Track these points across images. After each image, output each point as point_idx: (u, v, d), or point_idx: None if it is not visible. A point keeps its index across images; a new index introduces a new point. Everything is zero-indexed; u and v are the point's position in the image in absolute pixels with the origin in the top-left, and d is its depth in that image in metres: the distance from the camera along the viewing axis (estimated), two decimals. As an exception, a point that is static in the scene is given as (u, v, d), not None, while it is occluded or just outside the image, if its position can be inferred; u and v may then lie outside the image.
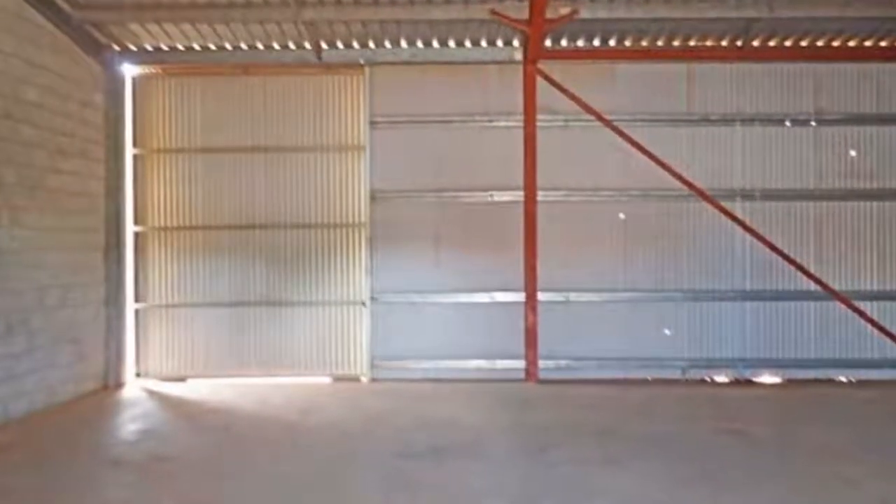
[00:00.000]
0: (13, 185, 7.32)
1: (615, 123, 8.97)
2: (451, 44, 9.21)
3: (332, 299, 9.40)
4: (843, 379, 9.15)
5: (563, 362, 9.18)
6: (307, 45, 9.13)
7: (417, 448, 6.20)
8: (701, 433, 6.65)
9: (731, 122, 9.21)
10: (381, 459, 5.92)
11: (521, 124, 9.09)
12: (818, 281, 8.97)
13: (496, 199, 9.25)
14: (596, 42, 9.20)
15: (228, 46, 9.20)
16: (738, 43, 9.08)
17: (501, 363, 9.18)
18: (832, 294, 8.97)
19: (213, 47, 9.22)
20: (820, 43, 9.14)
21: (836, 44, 9.14)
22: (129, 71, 9.32)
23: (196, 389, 8.85)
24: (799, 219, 9.20)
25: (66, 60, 8.26)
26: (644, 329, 9.21)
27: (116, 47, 9.12)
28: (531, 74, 9.01)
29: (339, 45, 9.22)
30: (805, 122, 9.20)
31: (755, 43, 9.11)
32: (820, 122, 9.20)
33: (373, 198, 9.28)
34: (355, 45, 9.20)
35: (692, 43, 9.17)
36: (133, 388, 8.91)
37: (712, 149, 9.22)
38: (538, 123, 9.05)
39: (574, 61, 9.17)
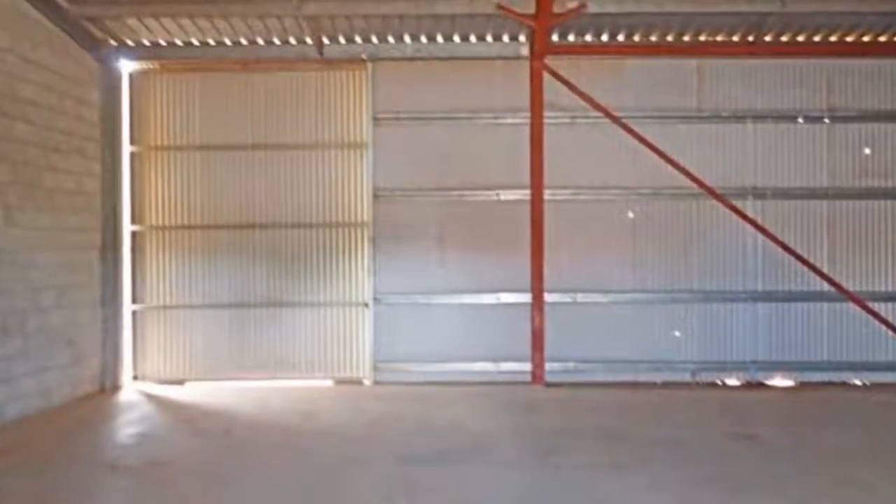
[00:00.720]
0: (8, 183, 7.20)
1: (624, 120, 8.80)
2: (456, 39, 9.06)
3: (333, 300, 9.25)
4: (857, 382, 9.01)
5: (570, 365, 9.03)
6: (308, 40, 8.98)
7: (421, 453, 6.10)
8: (712, 437, 6.53)
9: (743, 119, 9.06)
10: (383, 464, 5.80)
11: (528, 121, 8.92)
12: (831, 281, 8.80)
13: (502, 197, 9.10)
14: (604, 37, 9.06)
15: (228, 42, 9.07)
16: (750, 38, 8.94)
17: (507, 365, 9.03)
18: (846, 295, 8.80)
19: (212, 42, 9.09)
20: (833, 38, 8.98)
21: (849, 39, 8.98)
22: (127, 67, 9.18)
23: (195, 392, 8.73)
24: (812, 218, 9.05)
25: (61, 56, 8.12)
26: (653, 331, 9.06)
27: (113, 43, 8.98)
28: (538, 70, 8.85)
29: (341, 39, 9.07)
30: (818, 119, 9.05)
31: (767, 38, 8.96)
32: (833, 119, 9.04)
33: (376, 196, 9.14)
34: (358, 39, 9.06)
35: (703, 38, 9.03)
36: (130, 391, 8.79)
37: (723, 146, 9.07)
38: (545, 120, 8.88)
39: (582, 57, 9.03)
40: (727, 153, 9.06)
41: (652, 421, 7.19)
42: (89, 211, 8.63)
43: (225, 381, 9.12)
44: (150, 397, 8.46)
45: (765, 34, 8.88)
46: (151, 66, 9.22)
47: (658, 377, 9.03)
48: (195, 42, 9.05)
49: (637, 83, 9.06)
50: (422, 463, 5.82)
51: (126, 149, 9.17)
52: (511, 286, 9.03)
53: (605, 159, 9.03)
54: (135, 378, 9.21)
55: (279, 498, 5.10)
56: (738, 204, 8.87)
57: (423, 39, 9.05)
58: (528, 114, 8.91)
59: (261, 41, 9.08)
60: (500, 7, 8.18)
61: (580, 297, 9.06)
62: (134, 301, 9.24)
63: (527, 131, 8.92)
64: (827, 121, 9.04)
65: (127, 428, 7.11)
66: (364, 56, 9.10)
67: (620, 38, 9.06)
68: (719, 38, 9.02)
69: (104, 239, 8.85)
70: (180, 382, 9.16)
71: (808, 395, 8.45)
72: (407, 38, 9.05)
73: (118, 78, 9.08)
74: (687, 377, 9.02)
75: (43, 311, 7.69)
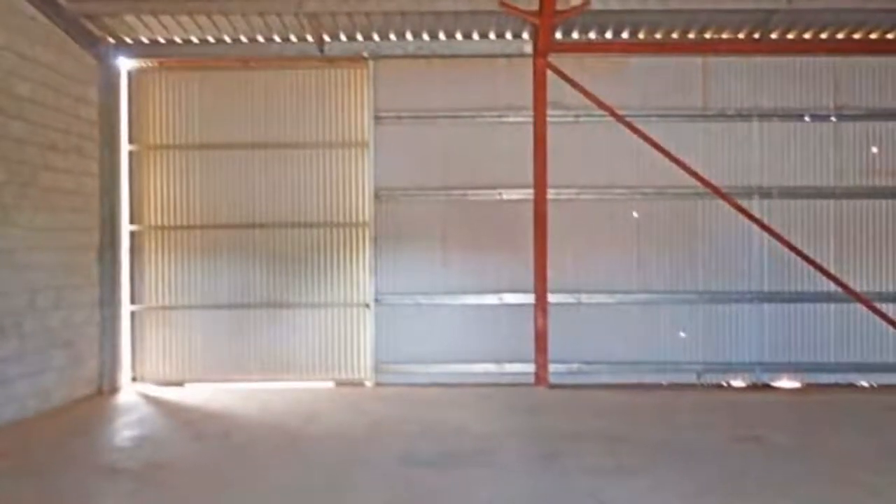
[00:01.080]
0: (5, 182, 7.14)
1: (628, 119, 8.73)
2: (459, 36, 8.98)
3: (335, 301, 9.16)
4: (864, 383, 8.92)
5: (574, 366, 8.93)
6: (309, 38, 8.90)
7: (424, 455, 6.03)
8: (717, 440, 6.47)
9: (749, 117, 8.97)
10: (385, 467, 5.74)
11: (531, 120, 8.84)
12: (838, 282, 8.71)
13: (505, 197, 9.01)
14: (608, 34, 8.98)
15: (228, 39, 8.99)
16: (756, 35, 8.86)
17: (510, 367, 8.93)
18: (853, 295, 8.71)
19: (211, 40, 9.00)
20: (840, 36, 8.90)
21: (857, 36, 8.91)
22: (125, 64, 9.10)
23: (194, 394, 8.64)
24: (818, 217, 8.95)
25: (59, 54, 8.04)
26: (658, 332, 8.97)
27: (112, 40, 8.91)
28: (541, 68, 8.77)
29: (342, 37, 8.98)
30: (825, 118, 8.96)
31: (773, 35, 8.89)
32: (840, 117, 8.95)
33: (377, 196, 9.05)
34: (359, 37, 8.98)
35: (708, 35, 8.96)
36: (129, 393, 8.70)
37: (729, 145, 8.98)
38: (548, 119, 8.81)
39: (585, 54, 8.94)
40: (733, 152, 8.97)
41: (657, 423, 7.11)
42: (87, 210, 8.55)
43: (225, 383, 9.02)
44: (149, 399, 8.37)
45: (771, 31, 8.81)
46: (150, 64, 9.14)
47: (663, 378, 8.93)
48: (194, 40, 8.97)
49: (641, 81, 8.97)
50: (424, 465, 5.75)
51: (124, 148, 9.09)
52: (514, 287, 8.95)
53: (610, 158, 8.94)
54: (133, 380, 9.12)
55: (280, 501, 5.04)
56: (743, 203, 8.78)
57: (426, 37, 8.97)
58: (532, 112, 8.83)
59: (261, 39, 8.99)
60: (502, 4, 8.09)
61: (584, 298, 8.96)
62: (132, 302, 9.15)
63: (530, 130, 8.85)
64: (834, 119, 8.95)
65: (126, 430, 7.03)
66: (365, 54, 9.01)
67: (625, 35, 8.98)
68: (725, 36, 8.94)
69: (102, 239, 8.76)
70: (179, 384, 9.07)
71: (814, 397, 8.36)
72: (409, 36, 8.97)
73: (116, 76, 9.00)
74: (692, 379, 8.92)
75: (40, 312, 7.61)
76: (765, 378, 8.93)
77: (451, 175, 9.02)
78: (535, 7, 8.07)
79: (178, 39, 8.97)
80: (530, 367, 8.85)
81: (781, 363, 8.93)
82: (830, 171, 8.95)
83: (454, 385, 8.80)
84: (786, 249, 8.72)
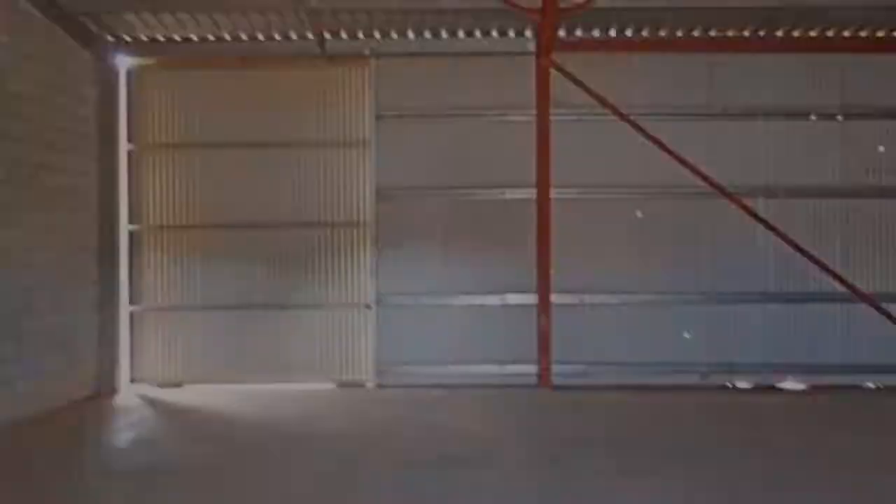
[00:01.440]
0: (3, 182, 7.08)
1: (632, 117, 8.63)
2: (461, 34, 8.91)
3: (335, 302, 9.08)
4: (871, 385, 8.84)
5: (577, 367, 8.86)
6: (310, 36, 8.82)
7: (426, 458, 5.97)
8: (722, 442, 6.41)
9: (754, 116, 8.90)
10: (387, 470, 5.69)
11: (534, 119, 8.76)
12: (844, 282, 8.63)
13: (508, 196, 8.94)
14: (612, 32, 8.91)
15: (227, 37, 8.93)
16: (761, 33, 8.80)
17: (513, 368, 8.86)
18: (859, 296, 8.62)
19: (211, 38, 8.94)
20: (846, 34, 8.84)
21: (863, 34, 8.84)
22: (124, 63, 9.03)
23: (193, 396, 8.58)
24: (824, 217, 8.88)
25: (57, 52, 8.00)
26: (662, 332, 8.89)
27: (110, 38, 8.85)
28: (544, 66, 8.70)
29: (344, 35, 8.92)
30: (831, 116, 8.89)
31: (779, 33, 8.82)
32: (846, 116, 8.87)
33: (379, 195, 8.99)
34: (360, 35, 8.92)
35: (713, 33, 8.87)
36: (127, 395, 8.65)
37: (734, 144, 8.90)
38: (552, 118, 8.73)
39: (589, 52, 8.85)
40: (738, 151, 8.88)
41: (660, 425, 7.06)
42: (86, 210, 8.49)
43: (224, 385, 8.95)
44: (148, 401, 8.31)
45: (776, 29, 8.74)
46: (149, 62, 9.07)
47: (667, 380, 8.84)
48: (194, 38, 8.91)
49: (646, 80, 8.89)
50: (427, 469, 5.70)
51: (123, 147, 9.01)
52: (517, 287, 8.88)
53: (613, 157, 8.85)
54: (132, 381, 9.04)
55: (280, 502, 5.00)
56: (748, 203, 8.69)
57: (428, 35, 8.91)
58: (535, 111, 8.76)
59: (261, 37, 8.92)
60: (505, 1, 8.02)
61: (588, 299, 8.89)
62: (131, 302, 9.07)
63: (533, 129, 8.77)
64: (840, 118, 8.88)
65: (124, 432, 6.99)
66: (367, 52, 8.96)
67: (629, 33, 8.91)
68: (730, 34, 8.86)
69: (101, 239, 8.71)
70: (179, 385, 9.01)
71: (820, 399, 8.29)
72: (411, 34, 8.91)
73: (115, 74, 8.94)
74: (697, 380, 8.84)
75: (38, 313, 7.56)
76: (770, 379, 8.84)
77: (453, 174, 8.95)
78: (538, 5, 8.00)
79: (177, 37, 8.91)
80: (533, 369, 8.77)
81: (787, 364, 8.85)
82: (836, 170, 8.88)
83: (457, 387, 8.72)
84: (791, 249, 8.62)
